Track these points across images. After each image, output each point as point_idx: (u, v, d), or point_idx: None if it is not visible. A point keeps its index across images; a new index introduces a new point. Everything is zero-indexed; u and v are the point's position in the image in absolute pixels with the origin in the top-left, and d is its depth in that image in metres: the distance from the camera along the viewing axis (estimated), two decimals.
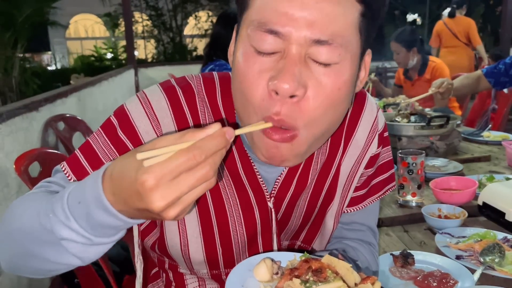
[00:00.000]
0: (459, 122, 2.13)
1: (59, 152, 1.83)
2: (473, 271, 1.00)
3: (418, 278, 0.99)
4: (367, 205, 0.96)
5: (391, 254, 1.08)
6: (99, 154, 0.77)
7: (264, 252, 0.89)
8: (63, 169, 0.78)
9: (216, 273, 0.92)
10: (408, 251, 1.07)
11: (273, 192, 0.87)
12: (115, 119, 0.79)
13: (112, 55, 13.95)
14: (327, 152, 0.89)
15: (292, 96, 0.65)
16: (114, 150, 0.77)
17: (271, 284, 0.68)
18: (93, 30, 16.82)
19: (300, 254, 0.73)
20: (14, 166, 1.55)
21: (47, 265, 0.66)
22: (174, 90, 0.81)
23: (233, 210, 0.85)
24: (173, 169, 0.51)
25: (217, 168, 0.53)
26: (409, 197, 1.44)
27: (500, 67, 2.38)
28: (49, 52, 15.23)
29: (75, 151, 0.80)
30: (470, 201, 1.40)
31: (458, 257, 1.08)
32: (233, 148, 0.83)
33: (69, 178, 0.77)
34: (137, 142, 0.77)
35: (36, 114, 2.60)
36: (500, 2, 8.96)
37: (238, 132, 0.59)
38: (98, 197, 0.56)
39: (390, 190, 1.00)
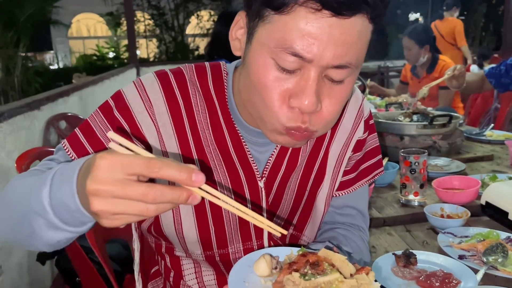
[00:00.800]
0: (461, 121, 2.12)
1: None
2: (476, 271, 1.00)
3: (421, 278, 0.98)
4: (356, 188, 1.03)
5: (394, 253, 1.07)
6: (96, 132, 0.83)
7: (255, 232, 0.94)
8: (64, 146, 0.84)
9: (210, 254, 0.95)
10: (411, 250, 1.07)
11: (264, 172, 0.92)
12: (111, 100, 0.86)
13: (114, 54, 13.97)
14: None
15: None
16: (110, 128, 0.83)
17: (271, 278, 0.72)
18: (95, 29, 16.84)
19: (297, 249, 0.76)
20: (15, 165, 1.55)
21: (26, 238, 0.69)
22: (166, 74, 0.88)
23: (224, 188, 0.90)
24: (128, 164, 0.52)
25: (160, 201, 0.53)
26: (411, 197, 1.43)
27: (502, 68, 2.36)
28: (51, 51, 15.25)
29: (75, 130, 0.86)
30: (473, 200, 1.39)
31: (461, 257, 1.07)
32: (224, 127, 0.88)
33: (69, 154, 0.83)
34: (132, 121, 0.84)
35: (38, 113, 2.60)
36: (502, 1, 8.93)
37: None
38: (73, 172, 0.59)
39: (378, 175, 1.06)
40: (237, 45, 0.80)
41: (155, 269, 1.17)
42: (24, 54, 8.65)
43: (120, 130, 0.84)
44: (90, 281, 1.52)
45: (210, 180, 0.88)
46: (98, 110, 0.86)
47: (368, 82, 3.68)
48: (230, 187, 0.90)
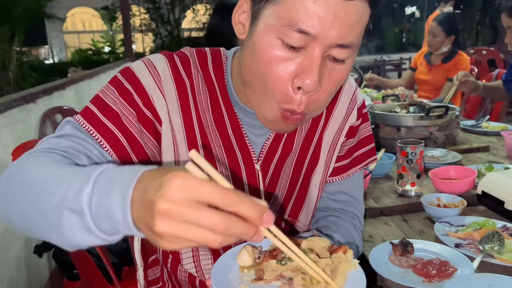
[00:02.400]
0: (458, 112, 2.13)
1: None
2: (472, 259, 1.00)
3: (418, 266, 0.99)
4: (350, 175, 1.05)
5: (391, 242, 1.08)
6: (109, 103, 0.83)
7: None
8: (78, 120, 0.82)
9: None
10: (407, 239, 1.07)
11: (260, 155, 0.95)
12: (120, 75, 0.87)
13: (110, 48, 13.90)
14: (310, 121, 0.99)
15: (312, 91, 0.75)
16: (122, 100, 0.84)
17: (254, 268, 0.74)
18: (91, 24, 16.73)
19: None
20: (11, 158, 1.55)
21: (46, 232, 0.61)
22: (172, 55, 0.91)
23: (222, 169, 0.92)
24: (205, 190, 0.48)
25: (231, 232, 0.48)
26: (408, 187, 1.44)
27: None
28: (46, 46, 15.14)
29: (87, 105, 0.85)
30: (469, 190, 1.39)
31: (457, 246, 1.08)
32: (223, 109, 0.91)
33: (85, 127, 0.80)
34: (143, 93, 0.85)
35: (34, 106, 2.59)
36: None
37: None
38: (129, 182, 0.52)
39: (372, 162, 1.09)
40: (240, 29, 0.82)
41: (153, 258, 1.19)
42: (18, 49, 8.59)
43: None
44: (87, 273, 1.53)
45: (211, 160, 0.91)
46: (108, 84, 0.86)
47: (369, 74, 3.68)
48: (228, 167, 0.93)
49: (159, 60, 0.88)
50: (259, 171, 0.95)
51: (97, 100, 0.84)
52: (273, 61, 0.74)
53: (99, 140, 0.80)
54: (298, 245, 0.71)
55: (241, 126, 0.93)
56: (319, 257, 0.72)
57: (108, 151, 0.81)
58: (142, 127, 0.85)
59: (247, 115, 0.92)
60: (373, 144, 1.09)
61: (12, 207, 0.66)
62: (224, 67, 0.92)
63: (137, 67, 0.87)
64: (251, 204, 0.49)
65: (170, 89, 0.87)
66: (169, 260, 1.05)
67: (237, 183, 0.94)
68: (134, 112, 0.83)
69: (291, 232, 1.05)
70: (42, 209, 0.60)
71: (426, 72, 3.49)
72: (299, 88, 0.75)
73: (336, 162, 1.04)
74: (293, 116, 0.79)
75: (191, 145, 0.90)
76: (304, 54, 0.74)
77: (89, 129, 0.80)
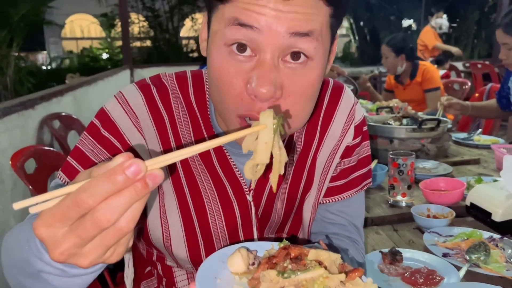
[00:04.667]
0: (450, 125, 2.17)
1: (54, 150, 1.85)
2: (459, 268, 1.03)
3: (406, 275, 1.02)
4: (346, 197, 0.97)
5: (380, 251, 1.11)
6: (88, 155, 0.81)
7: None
8: (60, 178, 0.82)
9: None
10: (397, 249, 1.10)
11: (252, 185, 0.89)
12: (97, 120, 0.83)
13: (108, 55, 13.92)
14: (302, 142, 0.92)
15: (270, 98, 0.68)
16: (101, 148, 0.81)
17: (247, 276, 0.62)
18: (89, 30, 16.77)
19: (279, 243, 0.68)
20: (10, 163, 1.57)
21: None
22: (149, 87, 0.84)
23: (212, 204, 0.87)
24: (62, 216, 0.45)
25: (119, 211, 0.44)
26: (399, 197, 1.47)
27: (506, 87, 2.44)
28: (45, 52, 15.17)
29: (67, 158, 0.83)
30: (458, 201, 1.43)
31: (445, 255, 1.11)
32: (206, 137, 0.85)
33: (65, 184, 0.80)
34: (120, 137, 0.81)
35: (32, 112, 2.61)
36: (494, 9, 9.04)
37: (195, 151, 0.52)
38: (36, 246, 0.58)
39: (367, 186, 1.01)
40: (204, 46, 0.78)
41: (148, 269, 1.12)
42: (17, 54, 8.60)
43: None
44: None
45: (196, 192, 0.86)
46: (85, 133, 0.83)
47: (364, 75, 3.75)
48: (218, 201, 0.88)
49: (134, 96, 0.83)
50: (251, 202, 0.89)
51: (76, 153, 0.82)
52: (222, 68, 0.70)
53: None
54: (305, 255, 0.61)
55: (228, 156, 0.87)
56: (330, 272, 0.58)
57: None
58: None
59: (233, 144, 0.85)
60: (370, 166, 1.02)
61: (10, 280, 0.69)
62: (207, 93, 0.87)
63: (112, 108, 0.82)
64: (104, 180, 0.44)
65: (148, 126, 0.82)
66: (163, 283, 1.01)
67: (229, 216, 0.88)
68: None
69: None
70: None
71: (402, 93, 3.59)
72: (255, 96, 0.68)
73: (331, 182, 0.96)
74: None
75: (176, 182, 0.86)
76: (255, 61, 0.68)
77: None
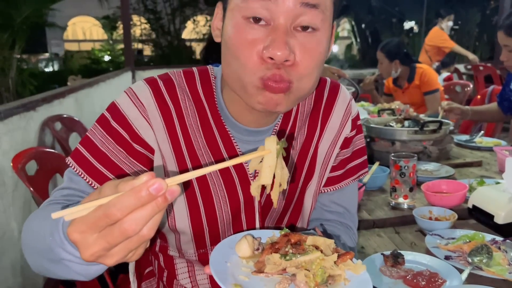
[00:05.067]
0: (451, 127, 2.16)
1: (56, 152, 1.85)
2: (461, 271, 1.03)
3: (408, 277, 1.01)
4: (343, 186, 1.06)
5: (382, 254, 1.10)
6: (97, 144, 0.86)
7: (247, 229, 0.95)
8: (69, 164, 0.87)
9: (203, 252, 0.97)
10: (399, 251, 1.10)
11: (257, 172, 0.93)
12: (107, 113, 0.89)
13: (110, 57, 13.96)
14: (305, 133, 0.99)
15: (285, 61, 0.76)
16: (110, 139, 0.86)
17: (253, 259, 0.72)
18: (91, 33, 16.83)
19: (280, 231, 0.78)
20: (11, 164, 1.57)
21: (61, 276, 0.73)
22: (156, 82, 0.91)
23: (218, 189, 0.92)
24: (93, 224, 0.52)
25: (143, 222, 0.52)
26: (401, 200, 1.47)
27: (507, 89, 2.43)
28: (47, 54, 15.21)
29: (77, 146, 0.88)
30: (460, 204, 1.42)
31: (447, 258, 1.10)
32: (214, 128, 0.91)
33: (76, 170, 0.86)
34: (129, 128, 0.87)
35: (34, 114, 2.61)
36: (496, 11, 9.04)
37: (210, 169, 0.59)
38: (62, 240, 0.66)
39: (363, 175, 1.10)
40: (217, 33, 0.86)
41: (149, 270, 1.18)
42: (19, 56, 8.63)
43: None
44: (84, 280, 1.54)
45: (202, 177, 0.91)
46: (96, 124, 0.89)
47: (369, 77, 3.75)
48: (224, 188, 0.92)
49: (142, 89, 0.89)
50: (256, 197, 0.92)
51: (86, 141, 0.88)
52: (241, 38, 0.77)
53: (90, 183, 0.85)
54: (304, 241, 0.72)
55: (235, 143, 0.92)
56: (325, 255, 0.70)
57: None
58: (134, 161, 0.87)
59: (240, 131, 0.92)
60: (366, 157, 1.10)
61: (30, 261, 0.79)
62: (213, 85, 0.93)
63: (122, 101, 0.88)
64: (132, 194, 0.51)
65: (155, 116, 0.88)
66: (165, 276, 1.05)
67: (234, 202, 0.93)
68: (122, 150, 0.86)
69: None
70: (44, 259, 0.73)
71: (401, 96, 3.59)
72: (271, 59, 0.75)
73: (330, 172, 1.04)
74: (276, 85, 0.77)
75: (182, 170, 0.90)
76: (270, 28, 0.76)
77: (81, 174, 0.85)
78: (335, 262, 0.68)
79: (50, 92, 3.26)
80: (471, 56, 6.56)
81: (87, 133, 0.89)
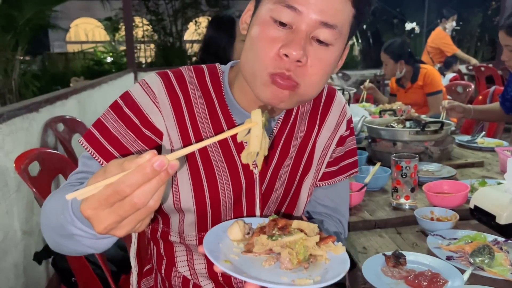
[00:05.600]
0: (453, 128, 2.16)
1: (58, 153, 1.86)
2: (463, 272, 1.03)
3: (409, 278, 1.01)
4: (336, 181, 1.14)
5: (383, 254, 1.10)
6: (109, 127, 0.92)
7: (247, 212, 1.02)
8: (82, 143, 0.93)
9: (203, 235, 0.98)
10: (400, 251, 1.10)
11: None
12: (120, 100, 0.95)
13: (112, 59, 13.98)
14: (305, 128, 1.07)
15: (297, 61, 0.83)
16: (121, 123, 0.92)
17: (243, 242, 0.80)
18: (94, 34, 16.86)
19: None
20: (14, 165, 1.57)
21: (73, 250, 0.81)
22: (167, 74, 0.99)
23: (222, 173, 0.98)
24: (104, 201, 0.58)
25: (150, 195, 0.58)
26: (402, 200, 1.47)
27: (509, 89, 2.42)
28: None
29: (90, 128, 0.95)
30: (462, 204, 1.42)
31: (448, 258, 1.10)
32: (221, 117, 0.98)
33: (88, 150, 0.92)
34: (141, 114, 0.93)
35: (36, 115, 2.61)
36: (497, 12, 9.03)
37: (206, 142, 0.66)
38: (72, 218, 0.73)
39: (354, 174, 1.18)
40: (245, 27, 0.94)
41: (148, 267, 1.22)
42: (22, 58, 8.65)
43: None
44: (86, 281, 1.54)
45: (207, 161, 0.97)
46: (109, 109, 0.95)
47: (366, 83, 3.74)
48: (228, 173, 0.98)
49: (154, 80, 0.96)
50: (257, 176, 1.00)
51: (98, 124, 0.94)
52: (264, 34, 0.85)
53: (102, 164, 0.91)
54: (289, 224, 0.79)
55: None
56: (308, 236, 0.77)
57: None
58: (143, 145, 0.93)
59: (243, 118, 0.97)
60: (357, 157, 1.18)
61: (47, 237, 0.86)
62: (221, 79, 1.01)
63: (134, 90, 0.95)
64: (136, 174, 0.57)
65: (165, 104, 0.94)
66: (163, 266, 1.08)
67: (236, 186, 0.99)
68: (132, 134, 0.92)
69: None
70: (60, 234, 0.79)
71: (404, 96, 3.57)
72: (286, 56, 0.83)
73: (326, 167, 1.11)
74: (283, 81, 0.85)
75: (189, 155, 0.96)
76: (291, 31, 0.84)
77: (93, 154, 0.91)
78: (317, 244, 0.76)
79: (53, 93, 3.27)
80: (473, 61, 6.55)
81: (100, 117, 0.95)
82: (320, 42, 0.85)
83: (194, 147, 0.64)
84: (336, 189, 1.15)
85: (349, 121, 1.14)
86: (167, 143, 0.95)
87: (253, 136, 0.75)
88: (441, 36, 6.34)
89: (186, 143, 0.95)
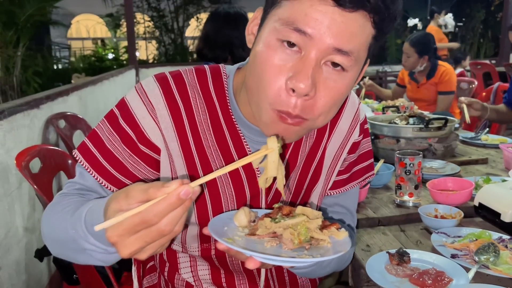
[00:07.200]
0: (457, 125, 2.14)
1: (59, 149, 1.85)
2: (467, 270, 1.02)
3: (414, 276, 1.00)
4: (348, 189, 1.07)
5: (387, 252, 1.09)
6: (103, 140, 0.89)
7: None
8: (75, 155, 0.90)
9: (206, 247, 0.99)
10: (404, 249, 1.09)
11: (257, 168, 0.94)
12: (116, 109, 0.91)
13: (113, 55, 13.97)
14: (314, 136, 1.00)
15: (305, 95, 0.75)
16: (116, 136, 0.89)
17: (248, 228, 0.81)
18: (95, 30, 16.85)
19: None
20: (15, 162, 1.57)
21: (82, 262, 0.81)
22: (167, 79, 0.91)
23: (225, 187, 0.94)
24: (131, 229, 0.61)
25: (176, 222, 0.62)
26: (406, 197, 1.45)
27: None
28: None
29: (84, 139, 0.92)
30: (466, 202, 1.41)
31: (453, 256, 1.09)
32: (224, 127, 0.92)
33: (82, 163, 0.89)
34: (136, 127, 0.88)
35: (38, 112, 2.61)
36: (501, 8, 8.99)
37: (217, 173, 0.69)
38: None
39: (370, 178, 1.11)
40: (251, 39, 0.84)
41: (150, 264, 1.20)
42: (23, 54, 8.64)
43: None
44: (87, 278, 1.54)
45: (212, 182, 0.93)
46: (104, 119, 0.91)
47: (366, 80, 3.71)
48: (232, 186, 0.94)
49: (152, 88, 0.89)
50: (262, 188, 0.92)
51: (93, 136, 0.91)
52: (270, 61, 0.76)
53: (96, 178, 0.89)
54: (293, 210, 0.80)
55: (245, 143, 0.92)
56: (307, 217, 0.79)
57: (106, 186, 0.89)
58: (139, 160, 0.90)
59: (252, 131, 0.92)
60: (372, 160, 1.11)
61: (51, 248, 0.87)
62: (225, 84, 0.93)
63: (131, 98, 0.90)
64: (163, 203, 0.60)
65: (164, 116, 0.88)
66: (166, 269, 1.06)
67: (240, 199, 0.95)
68: (127, 149, 0.89)
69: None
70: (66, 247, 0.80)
71: (416, 91, 3.53)
72: (293, 90, 0.74)
73: (336, 176, 1.05)
74: (290, 120, 0.78)
75: (190, 167, 0.92)
76: (300, 57, 0.74)
77: (87, 169, 0.89)
78: (321, 229, 0.77)
79: (54, 90, 3.26)
80: (451, 44, 6.54)
81: (95, 128, 0.91)
82: (335, 65, 0.76)
83: (216, 174, 0.67)
84: (347, 195, 1.09)
85: (363, 123, 1.06)
86: (165, 157, 0.90)
87: (270, 162, 0.78)
88: (434, 32, 6.37)
89: (187, 154, 0.91)
